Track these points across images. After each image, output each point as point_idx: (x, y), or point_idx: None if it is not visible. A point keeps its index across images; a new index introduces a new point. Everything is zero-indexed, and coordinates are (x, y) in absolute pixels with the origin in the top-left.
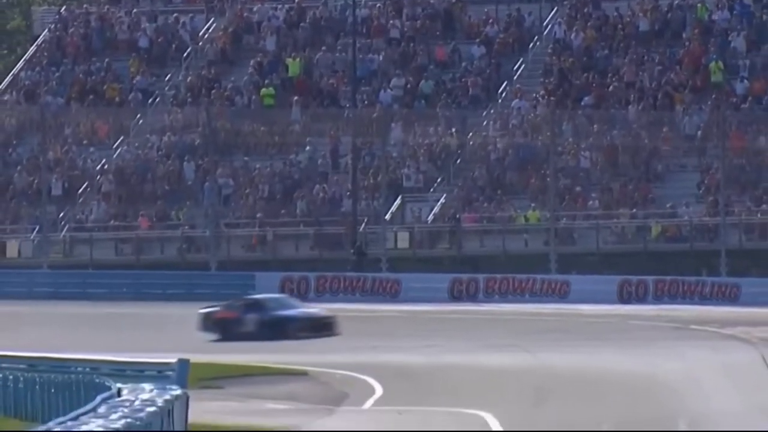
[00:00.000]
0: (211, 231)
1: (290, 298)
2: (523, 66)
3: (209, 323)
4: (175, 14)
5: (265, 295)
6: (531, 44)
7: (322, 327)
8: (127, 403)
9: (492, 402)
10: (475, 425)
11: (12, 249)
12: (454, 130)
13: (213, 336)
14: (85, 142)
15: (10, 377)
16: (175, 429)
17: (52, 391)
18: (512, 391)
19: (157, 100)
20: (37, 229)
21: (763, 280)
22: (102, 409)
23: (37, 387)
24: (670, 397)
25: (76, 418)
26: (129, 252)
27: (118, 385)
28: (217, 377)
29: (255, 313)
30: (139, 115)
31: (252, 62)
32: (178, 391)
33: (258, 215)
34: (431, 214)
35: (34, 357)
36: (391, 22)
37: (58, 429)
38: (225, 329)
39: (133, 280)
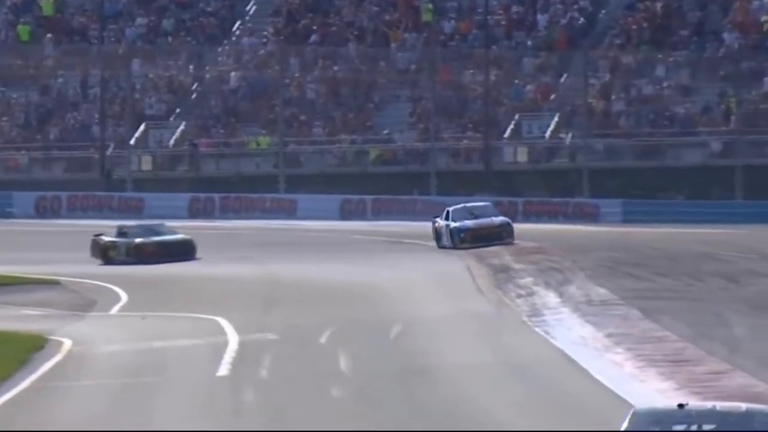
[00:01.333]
0: None
1: (492, 208)
2: (254, 7)
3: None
4: None
5: (466, 204)
6: None
7: (488, 236)
8: None
9: (226, 308)
10: (211, 328)
11: None
12: (192, 65)
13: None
14: None
15: None
16: None
17: None
18: (244, 299)
19: None
20: None
21: (468, 197)
22: None
23: None
24: (386, 303)
25: None
26: None
27: None
28: None
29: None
30: None
31: (8, 2)
32: None
33: (13, 141)
34: (172, 140)
35: None
36: None
37: None
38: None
39: None
